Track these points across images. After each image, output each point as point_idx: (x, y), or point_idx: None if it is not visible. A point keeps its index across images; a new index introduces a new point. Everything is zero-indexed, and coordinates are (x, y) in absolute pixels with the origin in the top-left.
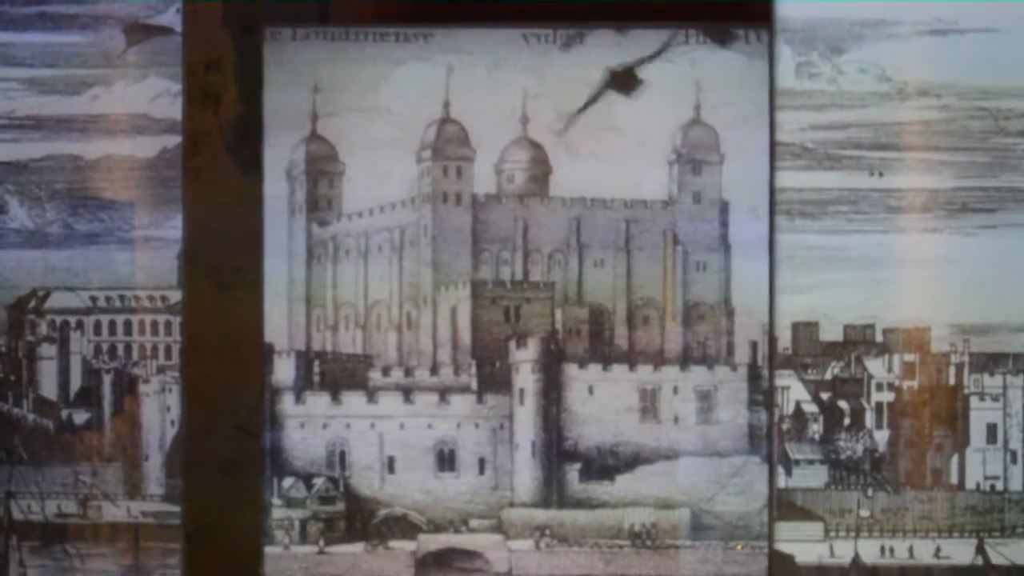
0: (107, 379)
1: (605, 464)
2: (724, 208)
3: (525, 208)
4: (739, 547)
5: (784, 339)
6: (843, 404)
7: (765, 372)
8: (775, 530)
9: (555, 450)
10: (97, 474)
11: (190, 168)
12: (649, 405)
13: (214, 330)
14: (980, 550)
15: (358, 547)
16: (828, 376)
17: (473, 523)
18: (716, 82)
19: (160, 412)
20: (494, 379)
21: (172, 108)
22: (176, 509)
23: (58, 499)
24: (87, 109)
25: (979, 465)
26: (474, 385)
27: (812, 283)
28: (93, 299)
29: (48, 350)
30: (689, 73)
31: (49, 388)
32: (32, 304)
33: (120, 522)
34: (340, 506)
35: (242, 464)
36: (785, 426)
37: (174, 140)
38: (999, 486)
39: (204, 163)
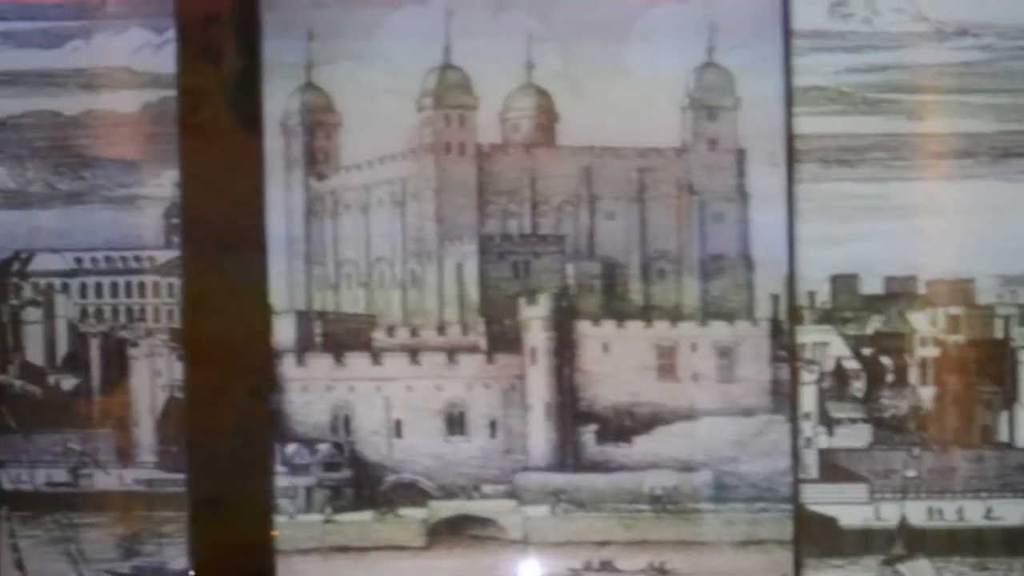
0: (95, 343)
1: (622, 425)
2: (741, 156)
3: (532, 158)
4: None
5: (822, 293)
6: (886, 360)
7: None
8: (816, 492)
9: (569, 411)
10: (87, 441)
11: (189, 125)
12: (667, 363)
13: (217, 292)
14: None
15: (367, 515)
16: (869, 331)
17: (486, 489)
18: (730, 23)
19: (150, 377)
20: (504, 338)
21: (155, 61)
22: (171, 476)
23: (48, 468)
24: (66, 63)
25: None
26: (483, 344)
27: (851, 233)
28: (78, 260)
29: (33, 314)
30: (702, 14)
31: (35, 353)
32: (15, 267)
33: (113, 490)
34: (346, 473)
35: (250, 429)
36: (825, 384)
37: (158, 94)
38: None
39: (204, 120)
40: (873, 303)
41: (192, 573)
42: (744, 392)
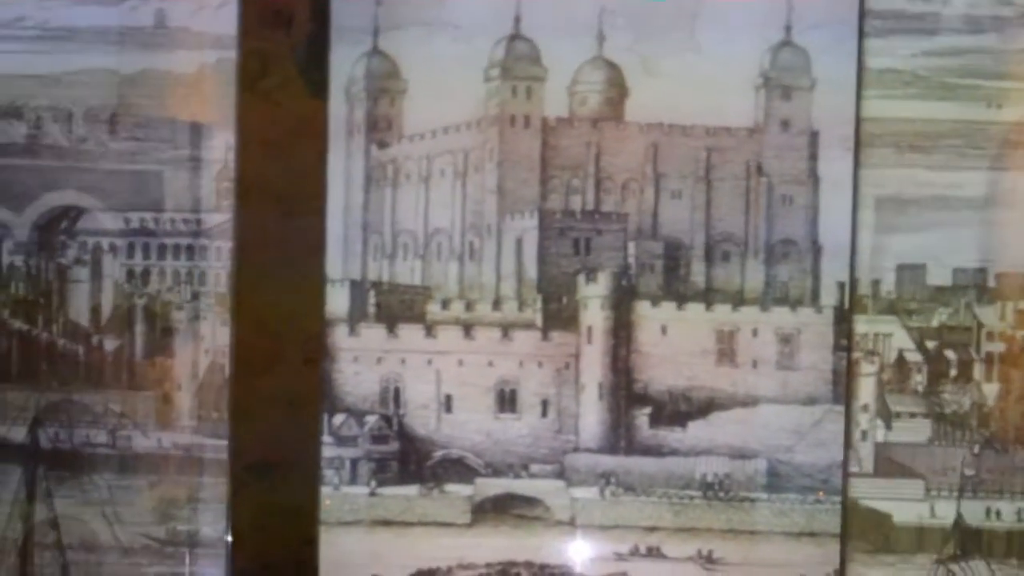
0: (139, 304)
1: (677, 409)
2: (814, 138)
3: (598, 133)
4: (820, 493)
5: (887, 282)
6: (950, 354)
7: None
8: (870, 487)
9: (623, 393)
10: (127, 403)
11: (254, 89)
12: (726, 347)
13: (271, 257)
14: None
15: (412, 490)
16: (934, 323)
17: (534, 468)
18: (807, 2)
19: (194, 340)
20: (560, 316)
21: (214, 22)
22: (210, 442)
23: (87, 428)
24: (124, 21)
25: None
26: (539, 321)
27: (920, 222)
28: (127, 221)
29: (79, 273)
30: None
31: (80, 312)
32: (64, 224)
33: (151, 454)
34: (394, 446)
35: (298, 398)
36: (885, 376)
37: (215, 55)
38: None
39: (273, 84)
40: (940, 295)
41: (229, 539)
42: (804, 381)
